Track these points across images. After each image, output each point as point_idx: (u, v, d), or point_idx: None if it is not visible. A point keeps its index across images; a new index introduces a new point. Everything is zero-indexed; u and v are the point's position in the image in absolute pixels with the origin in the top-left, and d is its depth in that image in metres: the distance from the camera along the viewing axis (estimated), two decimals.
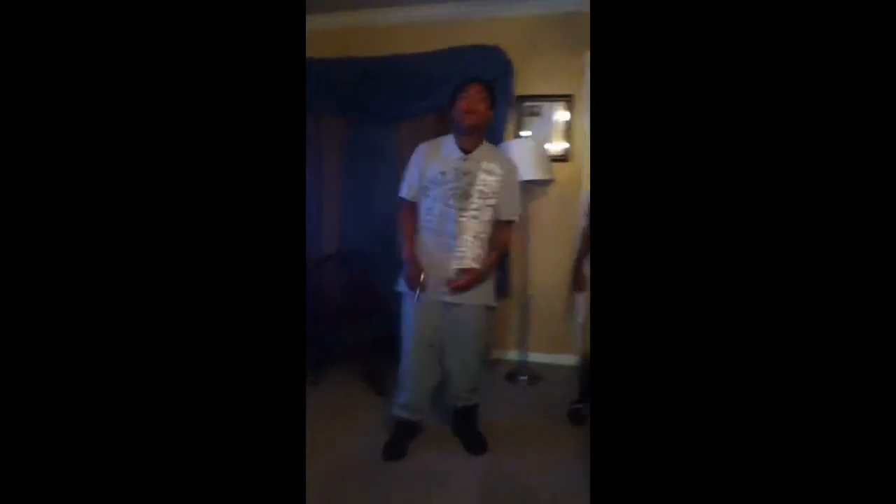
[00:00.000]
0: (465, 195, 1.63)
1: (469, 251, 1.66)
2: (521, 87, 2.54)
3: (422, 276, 1.65)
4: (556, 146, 2.57)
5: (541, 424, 2.02)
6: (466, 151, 1.65)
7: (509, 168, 1.72)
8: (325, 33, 2.74)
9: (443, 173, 1.64)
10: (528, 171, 2.26)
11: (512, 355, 2.72)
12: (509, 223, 1.75)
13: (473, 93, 1.61)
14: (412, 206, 1.75)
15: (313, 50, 2.66)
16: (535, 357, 2.66)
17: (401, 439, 1.81)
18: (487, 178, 1.65)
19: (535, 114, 2.58)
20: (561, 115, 2.55)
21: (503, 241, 1.75)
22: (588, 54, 2.39)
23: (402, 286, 1.76)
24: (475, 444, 1.82)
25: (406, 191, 1.74)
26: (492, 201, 1.66)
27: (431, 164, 1.67)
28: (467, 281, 1.65)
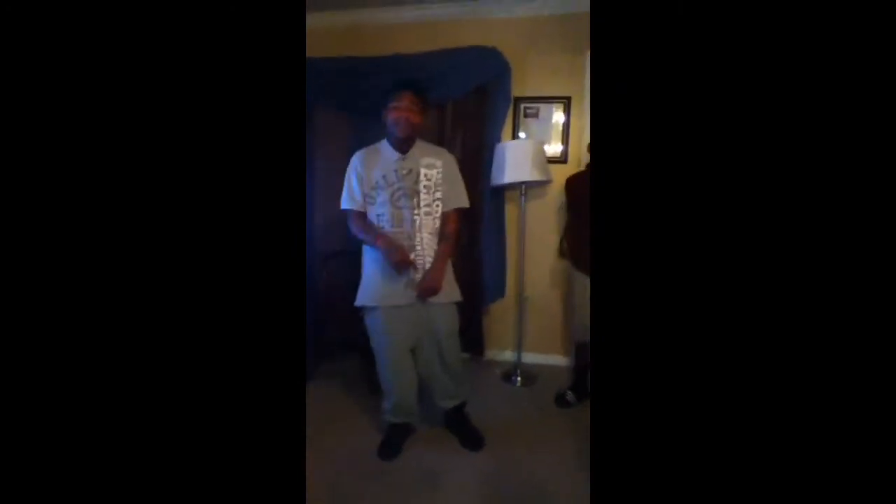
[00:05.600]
0: (413, 192, 1.68)
1: (428, 248, 1.69)
2: (519, 88, 2.55)
3: (408, 255, 1.64)
4: (554, 148, 2.58)
5: (536, 422, 2.03)
6: (403, 152, 1.71)
7: (447, 159, 1.77)
8: (325, 32, 2.73)
9: (384, 177, 1.68)
10: (526, 172, 2.27)
11: (507, 356, 2.73)
12: (458, 212, 1.78)
13: (406, 103, 1.65)
14: (360, 214, 1.74)
15: (314, 49, 2.66)
16: (531, 357, 2.67)
17: (394, 440, 1.83)
18: (429, 172, 1.71)
19: (532, 115, 2.59)
20: (559, 116, 2.56)
21: (453, 230, 1.76)
22: (588, 56, 2.41)
23: (361, 299, 1.75)
24: (472, 439, 1.83)
25: (348, 202, 1.74)
26: (438, 194, 1.72)
27: (371, 170, 1.70)
28: (431, 282, 1.66)
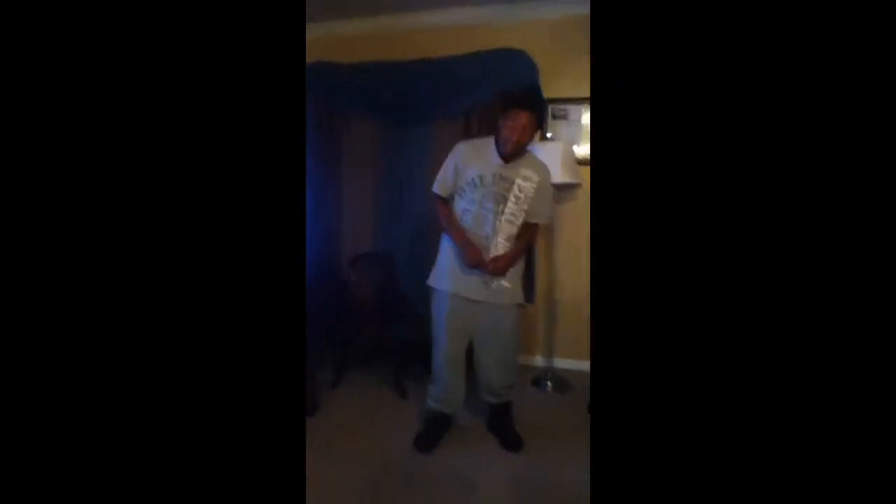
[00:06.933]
0: (502, 199, 1.70)
1: (502, 251, 1.73)
2: (548, 89, 2.51)
3: (483, 257, 1.70)
4: (584, 149, 2.54)
5: (567, 428, 1.99)
6: (507, 161, 1.71)
7: (545, 174, 1.78)
8: (357, 38, 2.78)
9: (481, 177, 1.70)
10: (556, 174, 2.23)
11: (538, 361, 2.69)
12: (536, 225, 1.81)
13: (522, 122, 1.64)
14: (446, 202, 1.81)
15: (341, 55, 2.71)
16: (562, 363, 2.63)
17: (433, 431, 1.87)
18: (524, 185, 1.71)
19: (561, 117, 2.56)
20: (588, 117, 2.52)
21: (530, 240, 1.82)
22: None
23: (434, 281, 1.83)
24: (512, 440, 1.84)
25: (440, 188, 1.80)
26: (525, 206, 1.73)
27: (470, 165, 1.72)
28: (499, 264, 1.70)
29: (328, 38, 2.76)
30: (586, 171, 2.46)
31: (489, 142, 1.74)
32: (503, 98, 1.71)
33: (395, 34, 2.73)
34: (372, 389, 2.37)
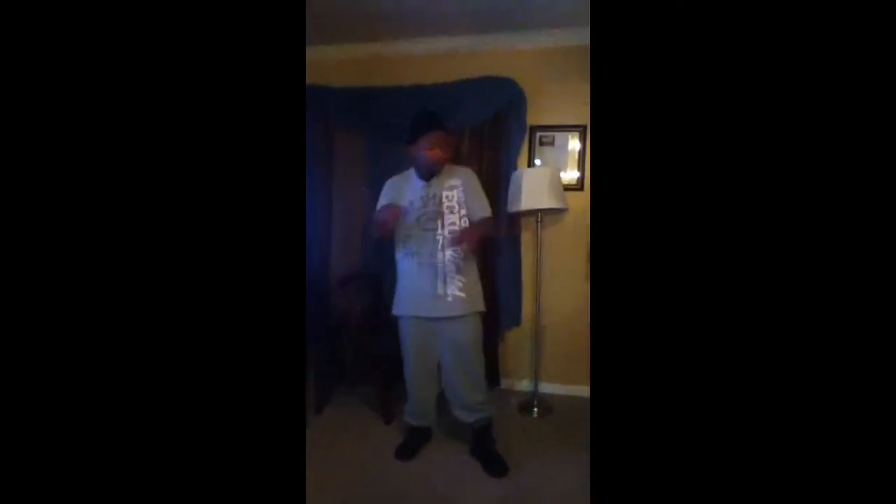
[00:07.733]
0: (437, 215, 1.80)
1: (450, 264, 1.79)
2: (535, 117, 2.57)
3: (396, 213, 1.72)
4: (570, 175, 2.58)
5: (553, 454, 1.96)
6: (427, 179, 1.83)
7: (466, 175, 1.88)
8: (345, 63, 2.81)
9: (411, 202, 1.82)
10: (543, 199, 2.26)
11: (523, 385, 2.67)
12: (489, 218, 1.87)
13: (438, 140, 1.77)
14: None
15: (335, 79, 2.74)
16: (548, 388, 2.61)
17: (412, 442, 1.95)
18: (450, 193, 1.82)
19: (548, 143, 2.61)
20: (574, 144, 2.57)
21: (482, 226, 1.80)
22: None
23: (395, 308, 1.90)
24: (495, 466, 1.81)
25: None
26: (462, 210, 1.81)
27: (400, 196, 1.85)
28: (461, 235, 1.71)
29: (320, 63, 2.79)
30: (573, 197, 2.50)
31: (411, 171, 1.88)
32: (411, 128, 1.82)
33: (387, 61, 2.78)
34: (358, 411, 2.33)
